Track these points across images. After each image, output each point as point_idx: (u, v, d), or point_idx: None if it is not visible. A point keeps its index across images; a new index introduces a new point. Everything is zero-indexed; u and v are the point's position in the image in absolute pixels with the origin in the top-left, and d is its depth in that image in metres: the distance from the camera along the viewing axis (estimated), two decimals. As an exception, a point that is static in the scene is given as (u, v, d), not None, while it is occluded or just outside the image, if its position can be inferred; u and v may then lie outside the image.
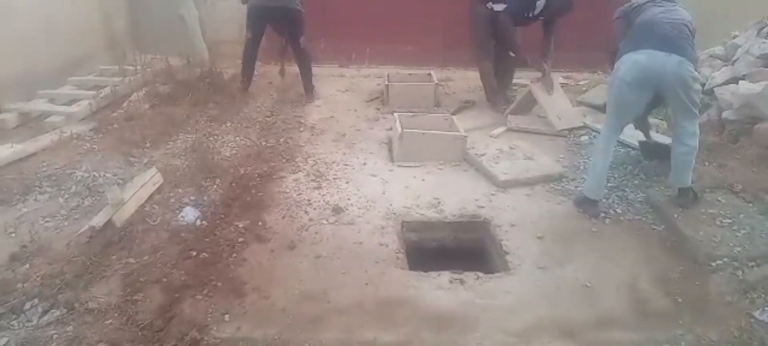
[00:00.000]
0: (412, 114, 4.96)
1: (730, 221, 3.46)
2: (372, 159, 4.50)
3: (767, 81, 4.44)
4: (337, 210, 3.66)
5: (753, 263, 3.09)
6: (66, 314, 2.66)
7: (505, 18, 5.31)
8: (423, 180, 4.13)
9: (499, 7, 5.41)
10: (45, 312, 2.66)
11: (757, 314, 2.76)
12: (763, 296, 2.87)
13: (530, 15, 5.36)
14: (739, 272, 3.04)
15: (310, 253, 3.22)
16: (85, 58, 6.20)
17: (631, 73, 3.40)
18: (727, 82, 4.77)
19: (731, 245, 3.23)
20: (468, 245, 3.65)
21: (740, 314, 2.78)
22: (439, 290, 2.94)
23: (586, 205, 3.69)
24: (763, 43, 4.76)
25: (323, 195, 3.87)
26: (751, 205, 3.66)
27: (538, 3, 5.26)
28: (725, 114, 4.57)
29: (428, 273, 3.07)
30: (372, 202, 3.80)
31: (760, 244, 3.23)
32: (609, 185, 3.96)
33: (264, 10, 5.58)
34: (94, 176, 3.94)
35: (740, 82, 4.59)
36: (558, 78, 6.47)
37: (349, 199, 3.83)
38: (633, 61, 3.40)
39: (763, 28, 5.07)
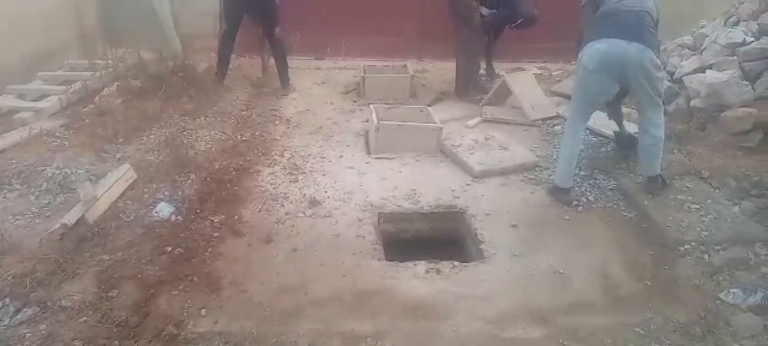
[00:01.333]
0: (388, 106, 4.97)
1: (697, 206, 3.56)
2: (349, 151, 4.51)
3: (733, 70, 4.56)
4: (313, 203, 3.66)
5: (719, 247, 3.20)
6: (39, 313, 2.63)
7: (489, 22, 5.62)
8: (399, 172, 4.16)
9: (485, 11, 5.60)
10: (17, 311, 2.62)
11: (722, 295, 2.85)
12: (729, 278, 2.98)
13: (512, 25, 5.76)
14: (706, 256, 3.15)
15: (286, 246, 3.22)
16: (54, 52, 6.05)
17: (592, 61, 3.47)
18: (694, 71, 4.87)
19: (699, 229, 3.33)
20: (444, 235, 3.69)
21: (707, 296, 2.87)
22: (415, 279, 2.97)
23: (558, 193, 3.76)
24: (730, 32, 4.87)
25: (300, 188, 3.86)
26: (718, 190, 3.77)
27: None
28: (693, 102, 4.67)
29: (405, 263, 3.10)
30: (349, 194, 3.81)
31: (725, 228, 3.34)
32: (581, 173, 4.03)
33: (240, 2, 5.53)
34: (66, 172, 3.87)
35: (708, 71, 4.69)
36: (532, 68, 6.55)
37: (325, 191, 3.83)
38: (594, 49, 3.47)
39: (730, 17, 5.19)
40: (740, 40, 4.72)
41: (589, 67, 3.49)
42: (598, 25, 3.56)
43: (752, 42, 4.65)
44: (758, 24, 4.78)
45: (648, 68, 3.40)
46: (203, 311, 2.69)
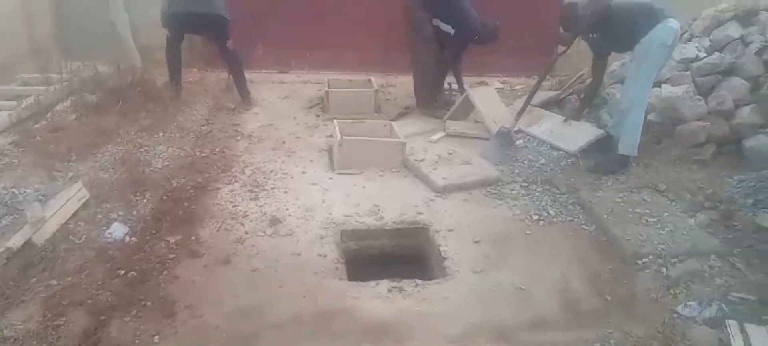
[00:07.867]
0: (352, 121, 4.93)
1: (655, 219, 3.63)
2: (312, 167, 4.45)
3: (687, 84, 4.69)
4: (274, 221, 3.59)
5: (676, 260, 3.25)
6: (-21, 345, 2.49)
7: (456, 46, 5.62)
8: (363, 187, 4.12)
9: (446, 28, 5.56)
10: (-45, 343, 2.48)
11: (679, 309, 2.89)
12: (685, 291, 3.02)
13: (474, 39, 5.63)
14: (664, 269, 3.19)
15: (245, 267, 3.14)
16: (5, 65, 5.84)
17: (670, 38, 4.06)
18: (651, 86, 4.99)
19: (656, 242, 3.38)
20: (408, 252, 3.66)
21: (664, 310, 2.91)
22: (377, 299, 2.93)
23: (624, 163, 4.29)
24: (684, 48, 5.02)
25: (260, 206, 3.79)
26: (674, 203, 3.86)
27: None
28: (650, 116, 4.78)
29: (367, 282, 3.06)
30: (311, 211, 3.75)
31: (681, 241, 3.40)
32: (541, 187, 4.08)
33: (183, 16, 5.36)
34: (13, 192, 3.69)
35: (663, 85, 4.81)
36: (494, 83, 6.63)
37: (287, 209, 3.76)
38: (669, 28, 4.05)
39: (684, 33, 5.34)
40: (693, 56, 4.88)
41: (668, 43, 4.07)
42: (652, 10, 4.12)
43: (704, 57, 4.81)
44: (710, 40, 4.94)
45: None
46: (156, 338, 2.58)
